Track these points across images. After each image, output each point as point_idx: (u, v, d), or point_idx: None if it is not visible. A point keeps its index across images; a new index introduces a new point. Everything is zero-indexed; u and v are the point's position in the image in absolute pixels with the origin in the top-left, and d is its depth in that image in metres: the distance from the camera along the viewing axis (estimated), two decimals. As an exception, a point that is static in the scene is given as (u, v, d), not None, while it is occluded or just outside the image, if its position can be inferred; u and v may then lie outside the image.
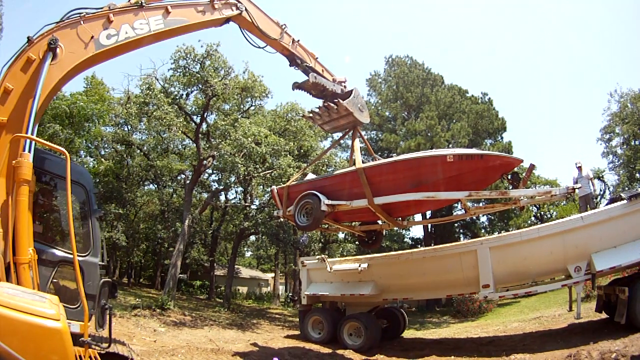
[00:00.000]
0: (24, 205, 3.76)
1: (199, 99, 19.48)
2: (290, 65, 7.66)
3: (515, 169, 7.10)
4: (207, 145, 19.13)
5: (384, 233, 11.96)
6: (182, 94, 18.42)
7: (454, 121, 25.60)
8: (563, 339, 8.63)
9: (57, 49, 4.45)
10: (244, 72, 18.90)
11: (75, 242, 4.55)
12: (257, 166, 18.24)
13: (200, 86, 17.77)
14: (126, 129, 19.31)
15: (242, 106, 21.04)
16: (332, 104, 7.85)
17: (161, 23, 5.34)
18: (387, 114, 28.69)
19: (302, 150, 19.92)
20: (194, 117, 19.50)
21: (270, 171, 18.26)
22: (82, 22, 4.73)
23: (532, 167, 6.90)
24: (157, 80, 17.08)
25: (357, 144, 8.18)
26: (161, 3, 5.48)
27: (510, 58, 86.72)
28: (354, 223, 10.18)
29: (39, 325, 2.80)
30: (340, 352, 9.75)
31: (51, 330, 2.81)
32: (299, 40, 7.53)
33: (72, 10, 4.83)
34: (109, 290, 4.50)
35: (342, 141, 26.23)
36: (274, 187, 9.13)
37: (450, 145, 23.44)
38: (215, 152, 18.03)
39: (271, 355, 9.39)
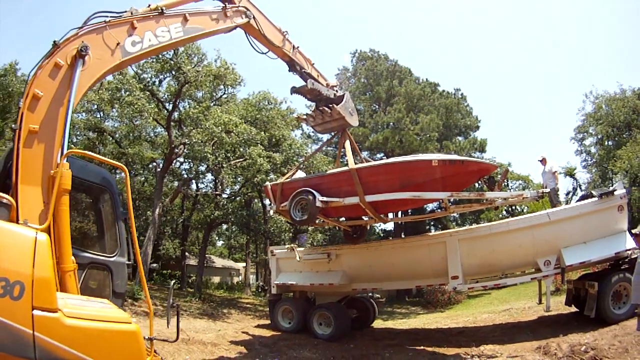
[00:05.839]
0: (65, 214, 3.82)
1: (171, 86, 19.07)
2: (289, 71, 8.04)
3: (492, 173, 7.99)
4: (180, 133, 18.88)
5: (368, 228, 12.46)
6: (155, 81, 18.06)
7: (424, 114, 25.90)
8: (533, 331, 8.80)
9: (86, 56, 4.48)
10: (216, 60, 18.77)
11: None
12: (229, 155, 18.29)
13: (173, 73, 17.49)
14: (98, 115, 18.51)
15: (214, 94, 20.85)
16: (326, 108, 8.35)
17: (181, 31, 5.45)
18: (359, 107, 29.21)
19: (273, 140, 20.06)
20: (167, 104, 19.06)
21: (240, 160, 18.37)
22: (107, 28, 4.75)
23: (507, 171, 7.82)
24: (130, 65, 16.46)
25: (348, 145, 8.75)
26: (179, 10, 5.60)
27: (493, 57, 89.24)
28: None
29: (117, 331, 3.01)
30: (310, 341, 9.86)
31: (129, 333, 3.05)
32: (298, 47, 7.89)
33: (94, 14, 4.81)
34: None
35: (317, 137, 26.75)
36: (267, 183, 9.50)
37: (419, 138, 24.37)
38: (186, 140, 17.86)
39: (240, 344, 9.60)
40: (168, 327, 4.16)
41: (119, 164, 4.14)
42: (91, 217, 4.94)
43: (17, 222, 3.50)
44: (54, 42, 4.49)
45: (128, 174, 3.85)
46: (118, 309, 3.33)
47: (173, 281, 4.55)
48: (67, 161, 3.98)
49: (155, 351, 3.64)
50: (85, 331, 2.90)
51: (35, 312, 2.72)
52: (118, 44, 4.81)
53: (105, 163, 4.49)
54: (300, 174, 9.78)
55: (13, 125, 4.11)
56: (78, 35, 4.58)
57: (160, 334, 9.61)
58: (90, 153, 4.08)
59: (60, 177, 3.87)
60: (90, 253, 4.58)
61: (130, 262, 4.81)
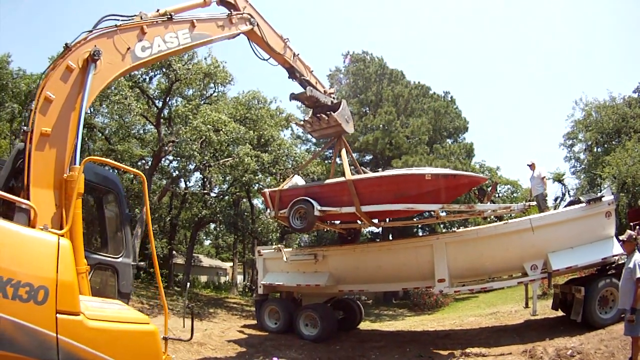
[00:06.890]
0: (79, 218, 3.84)
1: (162, 83, 18.95)
2: (289, 77, 8.22)
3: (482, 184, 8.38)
4: (169, 131, 18.79)
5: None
6: (145, 78, 17.96)
7: (415, 117, 25.97)
8: (519, 335, 8.78)
9: (98, 60, 4.51)
10: (206, 58, 18.78)
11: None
12: (217, 154, 18.26)
13: (164, 70, 17.38)
14: (88, 111, 18.23)
15: (204, 92, 20.81)
16: (323, 115, 8.57)
17: (188, 37, 5.53)
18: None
19: (262, 140, 20.11)
20: (157, 101, 18.93)
21: (228, 159, 18.35)
22: (118, 32, 4.77)
23: (496, 184, 8.25)
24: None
25: (344, 154, 9.01)
26: (186, 17, 5.69)
27: (484, 59, 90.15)
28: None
29: (137, 331, 3.11)
30: (296, 342, 9.85)
31: (148, 333, 3.14)
32: (298, 54, 8.09)
33: (104, 17, 4.84)
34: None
35: (307, 138, 26.78)
36: (266, 190, 9.68)
37: (409, 141, 24.74)
38: (174, 138, 17.78)
39: (227, 344, 9.60)
40: (184, 327, 4.29)
41: (138, 171, 4.20)
42: (97, 219, 4.98)
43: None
44: (66, 44, 4.50)
45: (145, 181, 3.93)
46: (135, 310, 3.43)
47: (188, 283, 4.68)
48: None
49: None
50: (106, 332, 2.97)
51: (59, 315, 2.78)
52: (128, 48, 4.85)
53: (124, 170, 4.56)
54: (297, 179, 9.95)
55: (25, 128, 4.10)
56: (89, 38, 4.59)
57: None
58: (109, 160, 4.15)
59: (74, 182, 3.90)
60: (98, 254, 4.65)
61: (135, 263, 4.90)
